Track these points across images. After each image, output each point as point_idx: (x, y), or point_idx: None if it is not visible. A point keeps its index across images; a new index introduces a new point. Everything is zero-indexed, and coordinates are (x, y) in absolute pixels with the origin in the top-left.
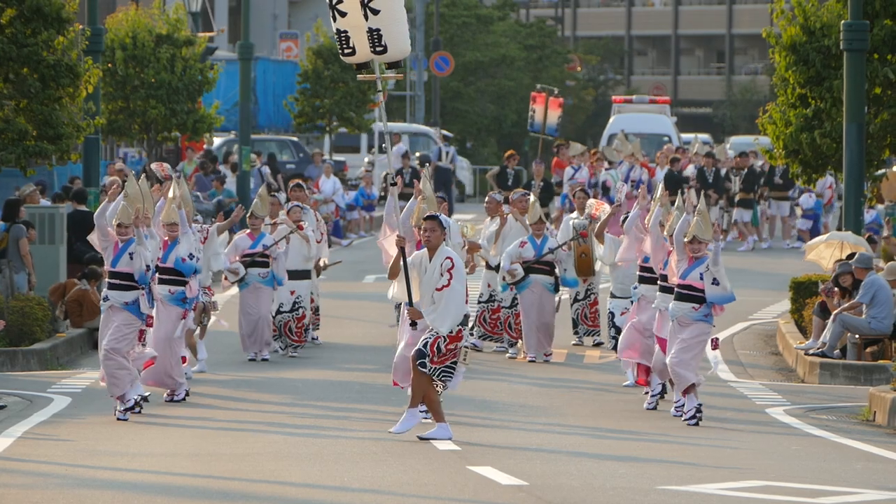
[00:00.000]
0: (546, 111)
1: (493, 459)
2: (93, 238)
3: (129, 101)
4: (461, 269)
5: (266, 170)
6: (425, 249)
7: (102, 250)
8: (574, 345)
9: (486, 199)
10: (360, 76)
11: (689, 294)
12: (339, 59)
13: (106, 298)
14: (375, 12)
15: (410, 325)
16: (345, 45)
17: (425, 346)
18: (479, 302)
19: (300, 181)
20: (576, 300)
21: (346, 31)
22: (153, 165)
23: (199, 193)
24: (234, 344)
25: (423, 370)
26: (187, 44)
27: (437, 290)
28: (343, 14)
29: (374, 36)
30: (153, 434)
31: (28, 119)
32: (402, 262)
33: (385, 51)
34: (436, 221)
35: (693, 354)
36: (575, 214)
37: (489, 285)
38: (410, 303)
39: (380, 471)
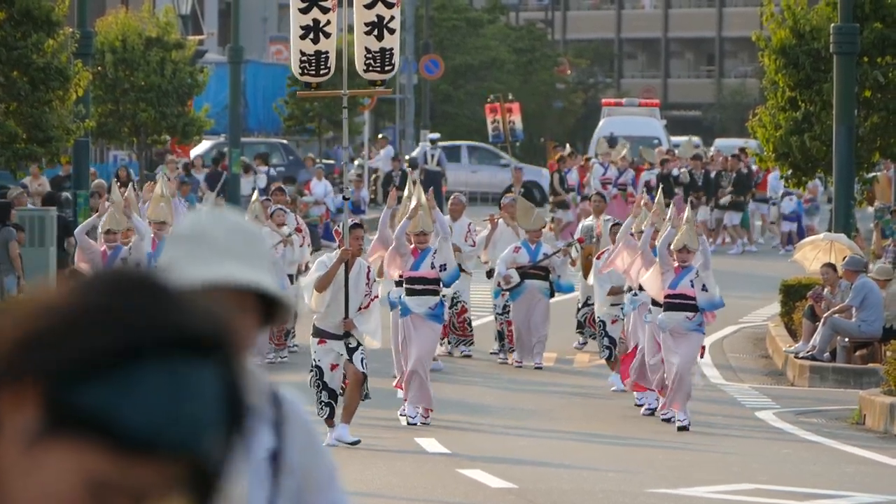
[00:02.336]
0: (505, 118)
1: (483, 462)
2: (78, 256)
3: (118, 104)
4: None
5: (272, 171)
6: (333, 257)
7: (88, 263)
8: (576, 347)
9: (451, 200)
10: (316, 93)
11: (682, 303)
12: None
13: None
14: (392, 31)
15: (344, 335)
16: (321, 67)
17: (364, 375)
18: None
19: (281, 185)
20: (585, 304)
21: (326, 52)
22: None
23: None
24: None
25: (367, 400)
26: (177, 47)
27: (373, 299)
28: (328, 35)
29: (387, 55)
30: None
31: (18, 122)
32: (336, 275)
33: (393, 69)
34: (362, 230)
35: (693, 366)
36: (591, 218)
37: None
38: (347, 315)
39: (369, 473)
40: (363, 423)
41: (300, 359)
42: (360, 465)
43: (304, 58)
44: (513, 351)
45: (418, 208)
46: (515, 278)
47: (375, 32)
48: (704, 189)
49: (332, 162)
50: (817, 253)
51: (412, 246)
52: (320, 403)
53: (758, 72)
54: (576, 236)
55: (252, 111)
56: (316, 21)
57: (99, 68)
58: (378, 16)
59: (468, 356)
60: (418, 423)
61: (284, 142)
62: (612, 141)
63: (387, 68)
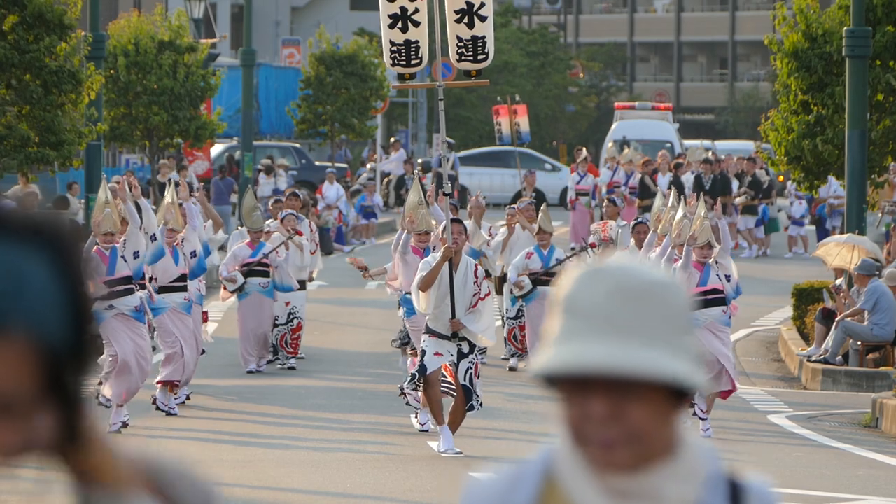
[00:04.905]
0: (511, 121)
1: (496, 466)
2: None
3: (131, 108)
4: None
5: (286, 176)
6: (437, 256)
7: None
8: None
9: (470, 202)
10: (410, 84)
11: (716, 298)
12: (341, 65)
13: (111, 307)
14: (483, 19)
15: (451, 336)
16: (412, 57)
17: (471, 383)
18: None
19: (295, 190)
20: None
21: (416, 42)
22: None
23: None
24: (235, 352)
25: (472, 412)
26: (189, 50)
27: (482, 299)
28: (417, 24)
29: (479, 43)
30: (154, 442)
31: (30, 125)
32: (441, 275)
33: (486, 58)
34: (462, 225)
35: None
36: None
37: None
38: (454, 314)
39: (382, 477)
40: (375, 428)
41: (308, 365)
42: (372, 468)
43: (395, 47)
44: (515, 356)
45: (419, 207)
46: (528, 285)
47: (466, 20)
48: (712, 192)
49: (344, 166)
50: (840, 250)
51: (414, 245)
52: (412, 376)
53: (770, 75)
54: (588, 241)
55: (264, 115)
56: (403, 9)
57: (111, 72)
58: (468, 3)
59: (482, 362)
60: (429, 429)
61: (297, 145)
62: (623, 145)
63: (479, 57)
